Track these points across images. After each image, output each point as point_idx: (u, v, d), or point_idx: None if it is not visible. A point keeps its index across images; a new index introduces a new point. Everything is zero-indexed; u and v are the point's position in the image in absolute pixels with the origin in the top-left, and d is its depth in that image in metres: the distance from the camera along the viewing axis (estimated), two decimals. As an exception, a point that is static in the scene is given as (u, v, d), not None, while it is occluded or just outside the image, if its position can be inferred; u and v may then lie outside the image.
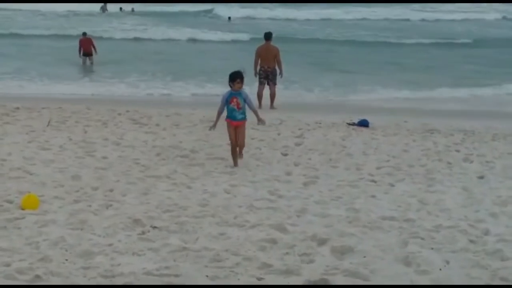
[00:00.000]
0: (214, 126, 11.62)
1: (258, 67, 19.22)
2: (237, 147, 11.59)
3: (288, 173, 11.08)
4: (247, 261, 6.83)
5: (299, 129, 15.19)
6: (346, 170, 11.42)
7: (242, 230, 7.90)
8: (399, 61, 31.13)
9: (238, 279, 6.32)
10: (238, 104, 11.35)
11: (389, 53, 34.22)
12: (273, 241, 7.47)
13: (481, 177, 11.07)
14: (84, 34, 28.41)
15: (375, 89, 23.44)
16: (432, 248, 7.34)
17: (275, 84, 19.23)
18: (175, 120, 15.78)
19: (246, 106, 11.53)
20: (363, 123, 15.86)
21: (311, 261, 6.92)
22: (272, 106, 19.10)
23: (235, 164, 11.51)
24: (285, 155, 12.51)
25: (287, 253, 7.16)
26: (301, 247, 7.30)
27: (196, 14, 55.22)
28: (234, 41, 38.37)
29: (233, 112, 11.39)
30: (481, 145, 13.84)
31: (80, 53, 27.84)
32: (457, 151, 13.18)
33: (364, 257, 7.04)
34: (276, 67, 19.18)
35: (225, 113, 11.54)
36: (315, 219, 8.44)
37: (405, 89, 23.40)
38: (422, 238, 7.68)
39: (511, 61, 31.03)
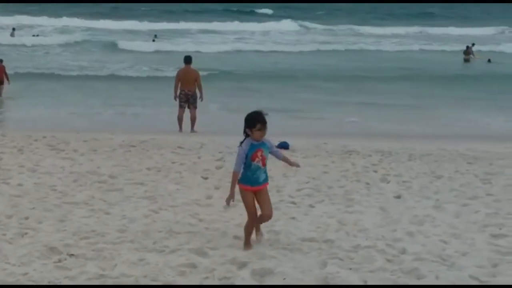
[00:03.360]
0: (231, 197, 8.08)
1: (178, 91, 19.21)
2: (256, 220, 8.29)
3: (209, 197, 11.04)
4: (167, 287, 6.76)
5: (220, 152, 15.17)
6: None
7: (162, 255, 7.83)
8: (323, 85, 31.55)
9: (157, 305, 6.25)
10: (263, 159, 8.08)
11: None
12: (193, 266, 7.43)
13: (398, 197, 11.27)
14: (0, 61, 26.37)
15: (298, 112, 23.70)
16: (350, 268, 7.43)
17: (195, 107, 19.24)
18: (93, 145, 15.54)
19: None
20: (283, 145, 15.94)
21: (231, 285, 6.90)
22: (192, 129, 19.10)
23: (249, 243, 8.22)
24: (206, 178, 12.46)
25: (207, 277, 7.13)
26: (221, 271, 7.28)
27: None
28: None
29: (256, 172, 8.07)
30: (398, 165, 14.11)
31: None
32: (375, 171, 13.40)
33: (284, 279, 7.07)
34: (197, 91, 19.21)
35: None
36: (236, 242, 8.43)
37: (326, 110, 23.76)
38: (341, 259, 7.76)
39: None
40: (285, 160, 8.59)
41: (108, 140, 16.33)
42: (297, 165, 8.84)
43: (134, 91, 28.14)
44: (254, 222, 8.22)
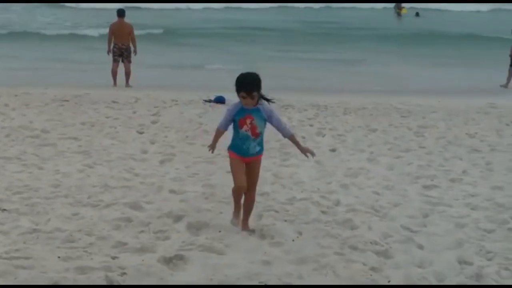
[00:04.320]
0: (212, 147, 7.34)
1: (112, 45, 18.90)
2: (243, 192, 7.19)
3: (144, 151, 10.96)
4: (101, 241, 6.71)
5: (155, 107, 15.04)
6: (203, 146, 11.34)
7: (96, 209, 7.75)
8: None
9: (92, 258, 6.19)
10: (254, 128, 6.92)
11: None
12: (128, 220, 7.38)
13: (333, 150, 11.39)
14: None
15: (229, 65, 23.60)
16: (285, 220, 7.50)
17: (129, 61, 18.97)
18: (25, 99, 15.19)
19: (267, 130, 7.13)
20: (220, 100, 15.90)
21: (167, 238, 6.90)
22: (127, 84, 18.87)
23: (237, 212, 7.34)
24: (141, 133, 12.34)
25: (142, 231, 7.10)
26: (157, 225, 7.26)
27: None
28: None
29: (246, 142, 6.98)
30: (333, 119, 14.23)
31: None
32: (311, 125, 13.49)
33: (220, 231, 7.08)
34: (131, 44, 18.93)
35: (227, 139, 7.26)
36: (171, 196, 8.41)
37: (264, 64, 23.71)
38: (276, 211, 7.82)
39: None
40: (294, 142, 7.12)
41: (41, 94, 15.99)
42: (310, 153, 7.17)
43: (66, 47, 27.56)
44: (240, 193, 7.20)
